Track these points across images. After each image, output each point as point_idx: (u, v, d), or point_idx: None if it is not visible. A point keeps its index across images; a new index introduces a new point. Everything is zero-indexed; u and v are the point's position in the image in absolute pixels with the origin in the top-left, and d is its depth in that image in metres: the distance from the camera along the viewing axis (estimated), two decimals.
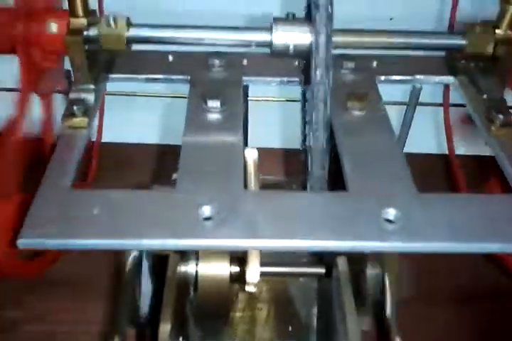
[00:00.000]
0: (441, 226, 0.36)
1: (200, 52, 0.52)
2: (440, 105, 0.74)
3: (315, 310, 0.57)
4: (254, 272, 0.44)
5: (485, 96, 0.45)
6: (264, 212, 0.36)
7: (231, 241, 0.35)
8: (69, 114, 0.44)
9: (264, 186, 0.60)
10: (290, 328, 0.57)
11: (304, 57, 0.42)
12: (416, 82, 0.51)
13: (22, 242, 0.35)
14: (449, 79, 0.50)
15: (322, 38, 0.39)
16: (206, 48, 0.48)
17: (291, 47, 0.41)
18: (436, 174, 0.80)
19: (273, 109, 0.81)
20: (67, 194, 0.38)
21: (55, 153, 0.42)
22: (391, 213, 0.37)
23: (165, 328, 0.39)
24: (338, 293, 0.43)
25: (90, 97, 0.46)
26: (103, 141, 0.77)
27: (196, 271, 0.47)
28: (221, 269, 0.47)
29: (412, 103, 0.54)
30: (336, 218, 0.36)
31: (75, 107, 0.44)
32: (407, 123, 0.57)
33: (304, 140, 0.47)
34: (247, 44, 0.44)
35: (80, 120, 0.44)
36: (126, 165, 0.83)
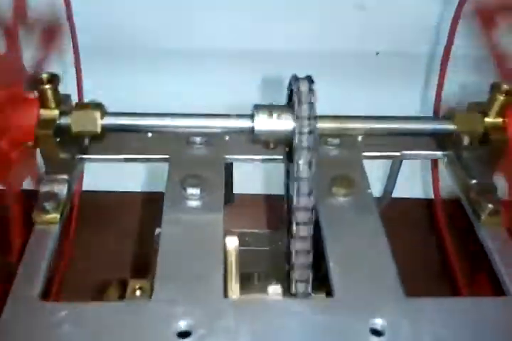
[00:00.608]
0: (429, 339, 0.34)
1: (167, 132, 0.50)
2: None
3: None
4: None
5: (474, 181, 0.43)
6: (246, 328, 0.34)
7: None
8: (40, 209, 0.42)
9: (247, 242, 0.57)
10: None
11: (287, 143, 0.41)
12: (403, 157, 0.49)
13: None
14: (437, 154, 0.48)
15: (305, 128, 0.38)
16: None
17: (272, 134, 0.40)
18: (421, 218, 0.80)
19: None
20: (35, 309, 0.36)
21: (25, 254, 0.40)
22: (378, 323, 0.35)
23: None
24: None
25: (63, 189, 0.44)
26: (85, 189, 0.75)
27: None
28: None
29: (393, 175, 0.52)
30: (322, 333, 0.34)
31: (46, 204, 0.42)
32: (388, 192, 0.56)
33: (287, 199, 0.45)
34: (228, 131, 0.42)
35: (51, 217, 0.42)
36: (109, 215, 0.81)
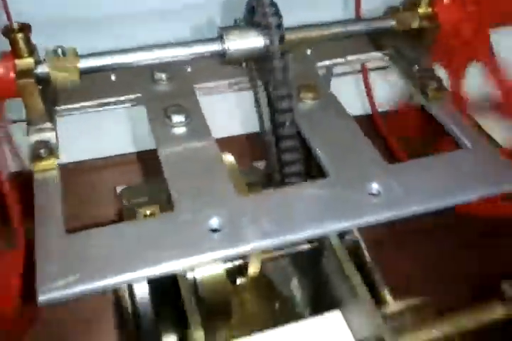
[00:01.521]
0: (416, 191, 0.41)
1: (140, 67, 0.52)
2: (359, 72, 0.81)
3: (293, 284, 0.61)
4: (256, 265, 0.48)
5: (416, 67, 0.50)
6: (265, 213, 0.39)
7: (246, 247, 0.37)
8: (36, 157, 0.43)
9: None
10: (276, 305, 0.61)
11: (258, 59, 0.45)
12: (351, 62, 0.55)
13: (43, 299, 0.34)
14: (380, 55, 0.55)
15: (276, 41, 0.42)
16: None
17: (245, 53, 0.44)
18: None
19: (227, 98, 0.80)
20: (66, 241, 0.38)
21: (36, 201, 0.41)
22: (374, 187, 0.41)
23: (198, 335, 0.41)
24: (336, 264, 0.48)
25: (52, 136, 0.45)
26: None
27: (194, 278, 0.49)
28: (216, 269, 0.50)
29: (328, 80, 0.58)
30: (328, 203, 0.40)
31: (41, 150, 0.43)
32: None
33: (263, 127, 0.49)
34: (200, 56, 0.45)
35: (49, 163, 0.43)
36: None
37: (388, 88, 0.78)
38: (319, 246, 0.52)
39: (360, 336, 0.44)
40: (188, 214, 0.40)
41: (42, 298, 0.34)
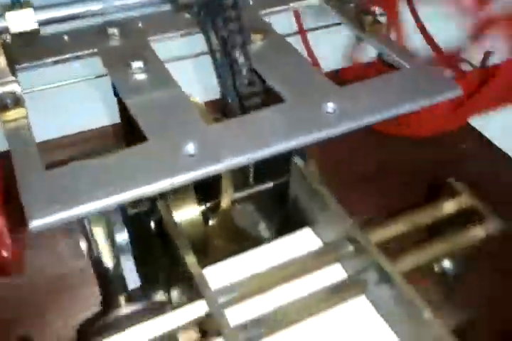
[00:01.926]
0: (367, 106, 0.46)
1: (90, 27, 0.54)
2: (296, 33, 0.85)
3: (261, 227, 0.66)
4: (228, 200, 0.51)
5: (352, 5, 0.55)
6: (236, 135, 0.43)
7: (225, 163, 0.40)
8: (3, 108, 0.44)
9: None
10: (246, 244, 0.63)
11: (210, 5, 0.47)
12: (292, 9, 0.59)
13: (35, 225, 0.36)
14: (316, 1, 0.59)
15: None
16: (114, 16, 0.50)
17: None
18: None
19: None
20: (46, 175, 0.39)
21: (10, 145, 0.42)
22: (330, 106, 0.45)
23: (191, 260, 0.44)
24: (303, 185, 0.51)
25: (16, 88, 0.46)
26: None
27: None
28: (192, 211, 0.53)
29: None
30: (291, 122, 0.44)
31: (7, 101, 0.44)
32: None
33: (222, 83, 0.52)
34: (154, 3, 0.48)
35: (16, 111, 0.44)
36: None
37: (340, 44, 0.83)
38: (284, 181, 0.56)
39: (330, 240, 0.49)
40: (162, 143, 0.42)
41: (33, 225, 0.36)
